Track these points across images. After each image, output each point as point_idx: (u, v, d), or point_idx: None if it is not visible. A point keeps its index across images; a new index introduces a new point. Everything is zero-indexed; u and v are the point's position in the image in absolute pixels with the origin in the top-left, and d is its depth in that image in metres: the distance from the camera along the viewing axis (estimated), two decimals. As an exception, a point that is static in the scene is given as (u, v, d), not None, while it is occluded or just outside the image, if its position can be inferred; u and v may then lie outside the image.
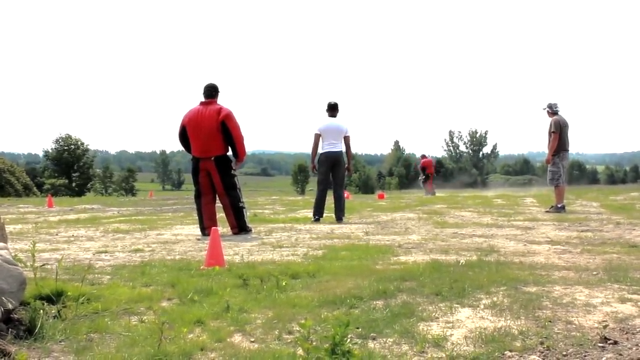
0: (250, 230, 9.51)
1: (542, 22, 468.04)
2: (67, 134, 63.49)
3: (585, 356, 3.32)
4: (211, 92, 9.49)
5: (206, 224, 9.22)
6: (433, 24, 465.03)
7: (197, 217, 9.77)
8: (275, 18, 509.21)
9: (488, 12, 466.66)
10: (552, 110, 13.25)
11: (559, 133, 13.00)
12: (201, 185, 9.53)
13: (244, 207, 9.59)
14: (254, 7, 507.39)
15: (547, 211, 12.94)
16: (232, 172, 9.49)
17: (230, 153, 9.52)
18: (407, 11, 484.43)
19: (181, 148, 10.11)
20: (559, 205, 12.87)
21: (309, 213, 12.64)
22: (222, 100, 9.53)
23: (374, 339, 3.64)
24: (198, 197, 9.62)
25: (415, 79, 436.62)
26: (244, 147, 9.49)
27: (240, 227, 9.39)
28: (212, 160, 9.35)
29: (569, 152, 13.59)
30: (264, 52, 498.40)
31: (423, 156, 31.10)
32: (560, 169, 13.16)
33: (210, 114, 9.26)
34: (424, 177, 29.93)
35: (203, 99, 9.50)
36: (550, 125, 13.11)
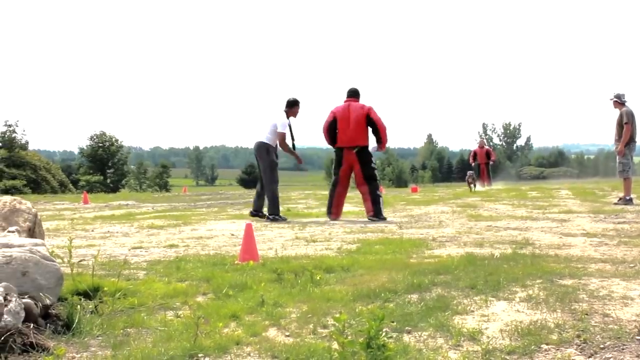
0: (385, 219, 10.62)
1: (579, 11, 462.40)
2: (102, 131, 63.99)
3: (623, 349, 3.27)
4: (354, 93, 11.22)
5: (333, 210, 11.11)
6: (468, 15, 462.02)
7: (327, 201, 11.37)
8: (304, 14, 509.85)
9: (522, 3, 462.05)
10: (621, 101, 12.96)
11: (631, 124, 12.77)
12: (340, 177, 11.22)
13: (381, 197, 10.98)
14: (282, 6, 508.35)
15: (615, 203, 12.66)
16: (372, 165, 11.08)
17: (371, 147, 11.13)
18: (443, 3, 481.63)
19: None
20: (628, 197, 12.61)
21: (344, 208, 12.45)
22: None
23: (409, 332, 3.63)
24: (335, 184, 11.25)
25: (448, 71, 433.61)
26: (387, 135, 11.07)
27: (375, 212, 10.67)
28: (355, 153, 10.88)
29: (636, 143, 13.31)
30: (295, 48, 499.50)
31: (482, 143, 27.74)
32: (630, 161, 13.00)
33: (357, 108, 10.98)
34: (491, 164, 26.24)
35: (346, 98, 11.15)
36: (622, 115, 12.78)
